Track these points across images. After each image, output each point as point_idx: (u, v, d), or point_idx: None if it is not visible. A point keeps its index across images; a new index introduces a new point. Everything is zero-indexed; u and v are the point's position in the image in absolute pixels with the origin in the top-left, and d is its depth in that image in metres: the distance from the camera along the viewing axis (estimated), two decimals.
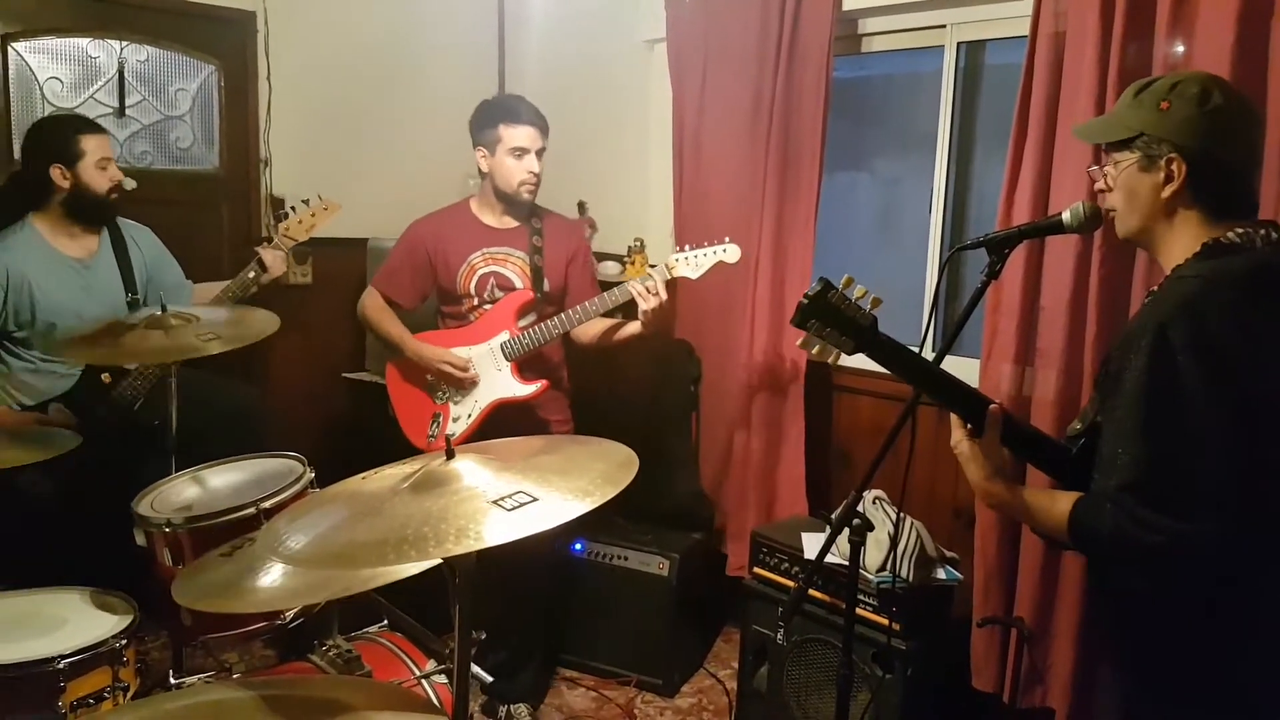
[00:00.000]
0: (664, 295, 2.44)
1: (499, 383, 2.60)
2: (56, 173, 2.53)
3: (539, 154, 2.59)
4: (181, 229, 3.03)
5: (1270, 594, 1.28)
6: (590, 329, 2.66)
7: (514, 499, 1.23)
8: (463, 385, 2.61)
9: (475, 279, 2.63)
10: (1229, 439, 1.21)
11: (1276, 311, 1.27)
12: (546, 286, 2.66)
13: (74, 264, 2.60)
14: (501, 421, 2.55)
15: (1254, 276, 1.28)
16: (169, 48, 3.25)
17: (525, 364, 2.61)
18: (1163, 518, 1.22)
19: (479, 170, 2.65)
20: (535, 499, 1.22)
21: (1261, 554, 1.25)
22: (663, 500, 3.21)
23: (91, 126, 2.61)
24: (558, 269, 2.68)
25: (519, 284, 2.63)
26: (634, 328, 2.58)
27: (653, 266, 2.53)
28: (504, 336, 2.60)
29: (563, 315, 2.55)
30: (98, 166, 2.56)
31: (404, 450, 2.60)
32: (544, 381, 2.61)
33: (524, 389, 2.59)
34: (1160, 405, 1.24)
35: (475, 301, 2.64)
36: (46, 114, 2.98)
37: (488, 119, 2.58)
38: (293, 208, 2.77)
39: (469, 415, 2.62)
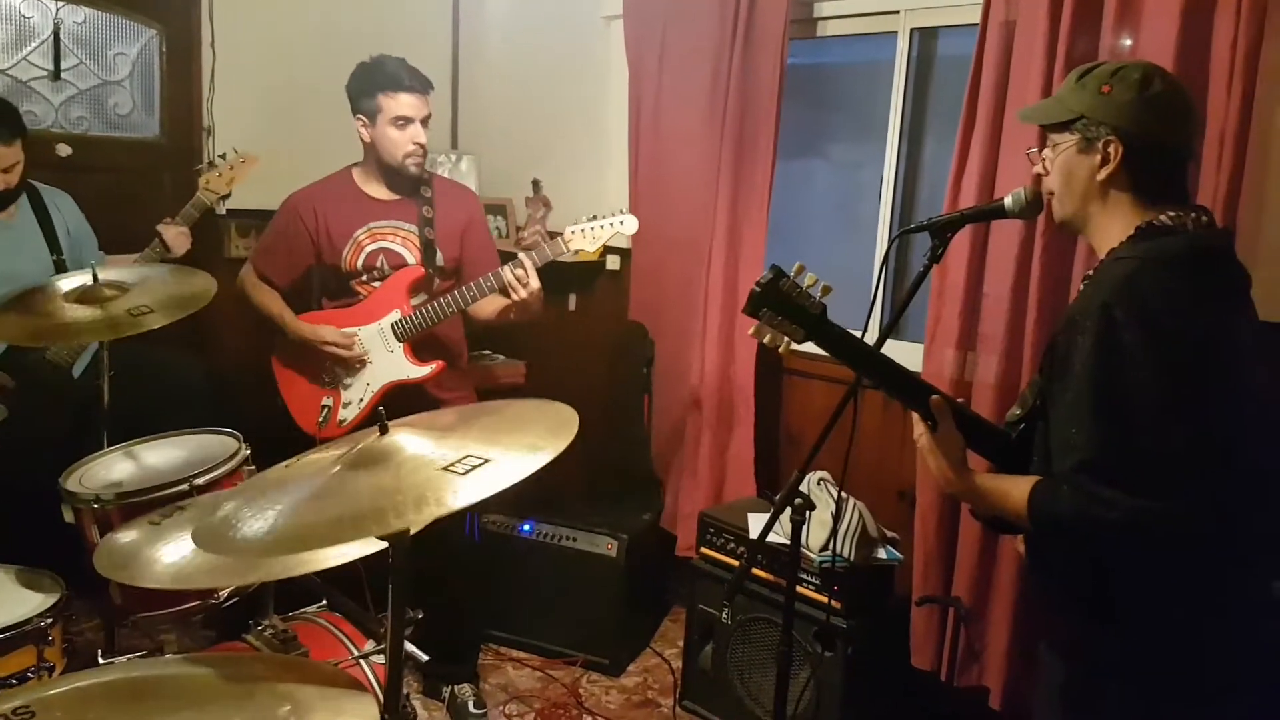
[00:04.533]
0: (534, 284, 2.34)
1: (391, 364, 2.48)
2: None
3: (424, 121, 2.43)
4: (122, 197, 2.94)
5: (1225, 568, 1.30)
6: (485, 306, 2.52)
7: (464, 463, 1.20)
8: (350, 366, 2.49)
9: (363, 256, 2.49)
10: (1179, 413, 1.23)
11: (1213, 288, 1.30)
12: (440, 260, 2.53)
13: None
14: (396, 405, 2.47)
15: (1190, 255, 1.32)
16: (108, 10, 3.14)
17: (420, 344, 2.49)
18: (1120, 494, 1.23)
19: (361, 140, 2.48)
20: (486, 460, 1.20)
21: (1222, 526, 1.25)
22: (614, 481, 3.21)
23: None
24: (452, 240, 2.54)
25: (410, 259, 2.50)
26: (513, 314, 2.48)
27: (526, 249, 2.40)
28: (395, 315, 2.47)
29: (455, 293, 2.43)
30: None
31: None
32: (439, 362, 2.50)
33: (418, 370, 2.48)
34: (1109, 383, 1.25)
35: (364, 279, 2.51)
36: None
37: (365, 86, 2.41)
38: (211, 162, 2.69)
39: (360, 400, 2.50)
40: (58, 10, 3.04)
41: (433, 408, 2.47)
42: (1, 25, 2.96)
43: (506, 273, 2.36)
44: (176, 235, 2.60)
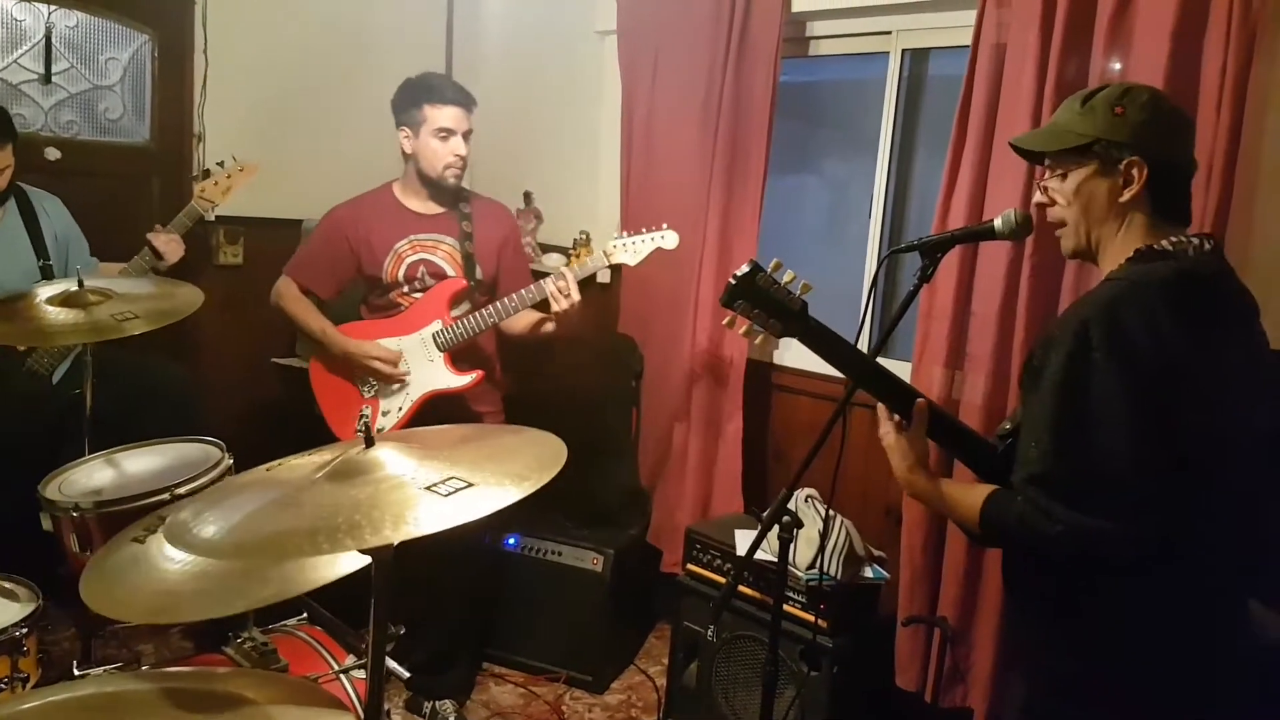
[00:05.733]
0: (575, 295, 2.40)
1: (431, 374, 2.53)
2: None
3: (465, 136, 2.51)
4: (110, 202, 2.93)
5: (1196, 589, 1.30)
6: (517, 321, 2.59)
7: (447, 484, 1.19)
8: (393, 381, 2.53)
9: (404, 267, 2.54)
10: (1136, 438, 1.24)
11: (1195, 317, 1.30)
12: (479, 274, 2.58)
13: None
14: (432, 415, 2.49)
15: (1177, 283, 1.31)
16: (101, 14, 3.13)
17: (458, 354, 2.54)
18: (1065, 509, 1.24)
19: (402, 152, 2.55)
20: (470, 484, 1.19)
21: (1165, 553, 1.27)
22: (600, 495, 3.19)
23: None
24: (489, 255, 2.60)
25: (450, 271, 2.55)
26: (553, 325, 2.54)
27: (573, 257, 2.46)
28: (436, 326, 2.52)
29: (497, 304, 2.48)
30: None
31: (331, 441, 2.53)
32: (479, 372, 2.55)
33: (458, 380, 2.52)
34: (1072, 400, 1.26)
35: (405, 290, 2.56)
36: None
37: (411, 98, 2.48)
38: (207, 170, 2.68)
39: (400, 409, 2.54)
40: (50, 14, 3.03)
41: (474, 419, 2.55)
42: None
43: (549, 284, 2.40)
44: (168, 242, 2.59)
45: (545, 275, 2.51)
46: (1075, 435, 1.26)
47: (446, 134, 2.47)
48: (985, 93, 2.27)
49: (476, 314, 2.50)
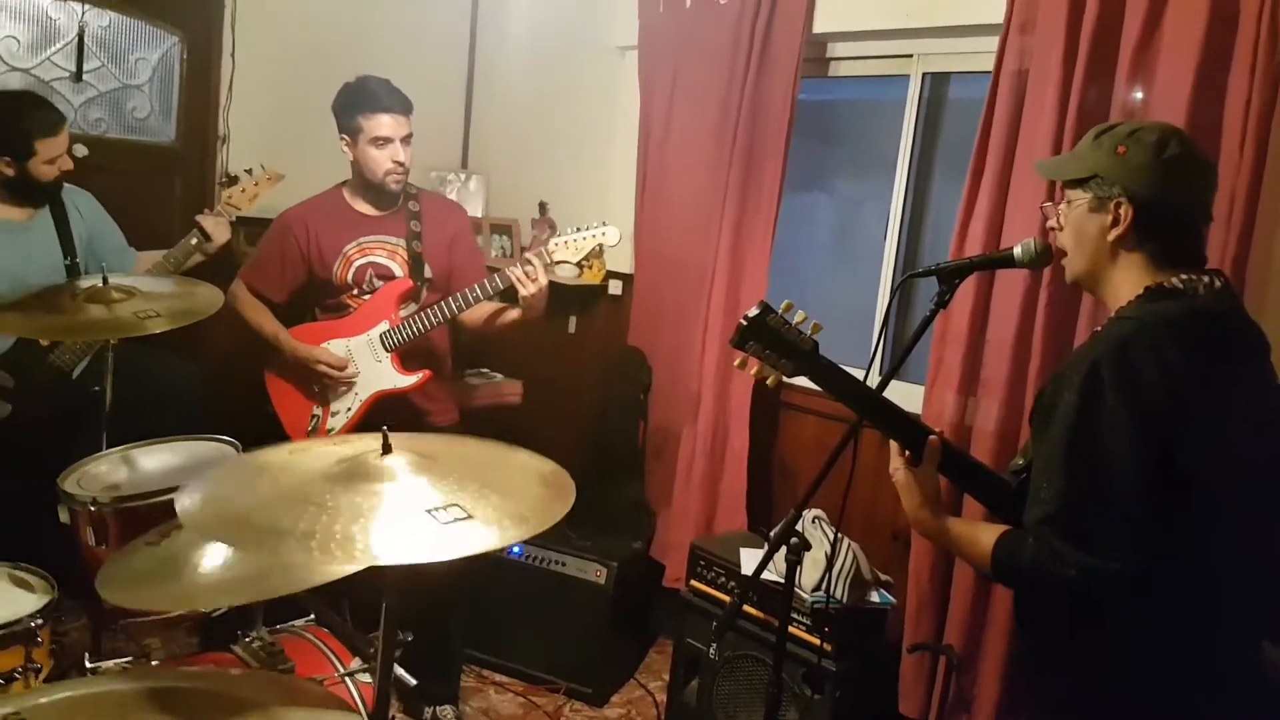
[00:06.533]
0: (543, 281, 2.39)
1: (379, 374, 2.53)
2: (1, 163, 2.42)
3: (405, 140, 2.48)
4: (133, 199, 2.95)
5: (1183, 634, 1.29)
6: (474, 313, 2.58)
7: (448, 512, 1.20)
8: (340, 387, 2.54)
9: (352, 270, 2.53)
10: (1148, 479, 1.23)
11: (1206, 355, 1.30)
12: (428, 273, 2.57)
13: (10, 226, 2.51)
14: (382, 413, 2.50)
15: (1188, 321, 1.31)
16: (132, 15, 3.17)
17: (407, 354, 2.54)
18: (1077, 552, 1.24)
19: (347, 158, 2.55)
20: (469, 515, 1.19)
21: (1176, 595, 1.27)
22: (606, 506, 3.20)
23: (50, 128, 2.45)
24: (439, 253, 2.59)
25: (398, 272, 2.55)
26: (515, 313, 2.52)
27: (533, 252, 2.44)
28: (383, 327, 2.52)
29: (443, 303, 2.47)
30: (47, 162, 2.45)
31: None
32: (426, 371, 2.54)
33: (405, 380, 2.53)
34: (1084, 441, 1.26)
35: (355, 292, 2.56)
36: (7, 87, 2.87)
37: (347, 107, 2.48)
38: (235, 176, 2.70)
39: (348, 410, 2.55)
40: (84, 13, 3.07)
41: (417, 416, 2.56)
42: (27, 25, 2.98)
43: (515, 271, 2.39)
44: (217, 224, 2.61)
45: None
46: (1087, 477, 1.25)
47: (384, 142, 2.46)
48: (1006, 119, 2.28)
49: (423, 313, 2.49)
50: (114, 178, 2.94)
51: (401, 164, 2.48)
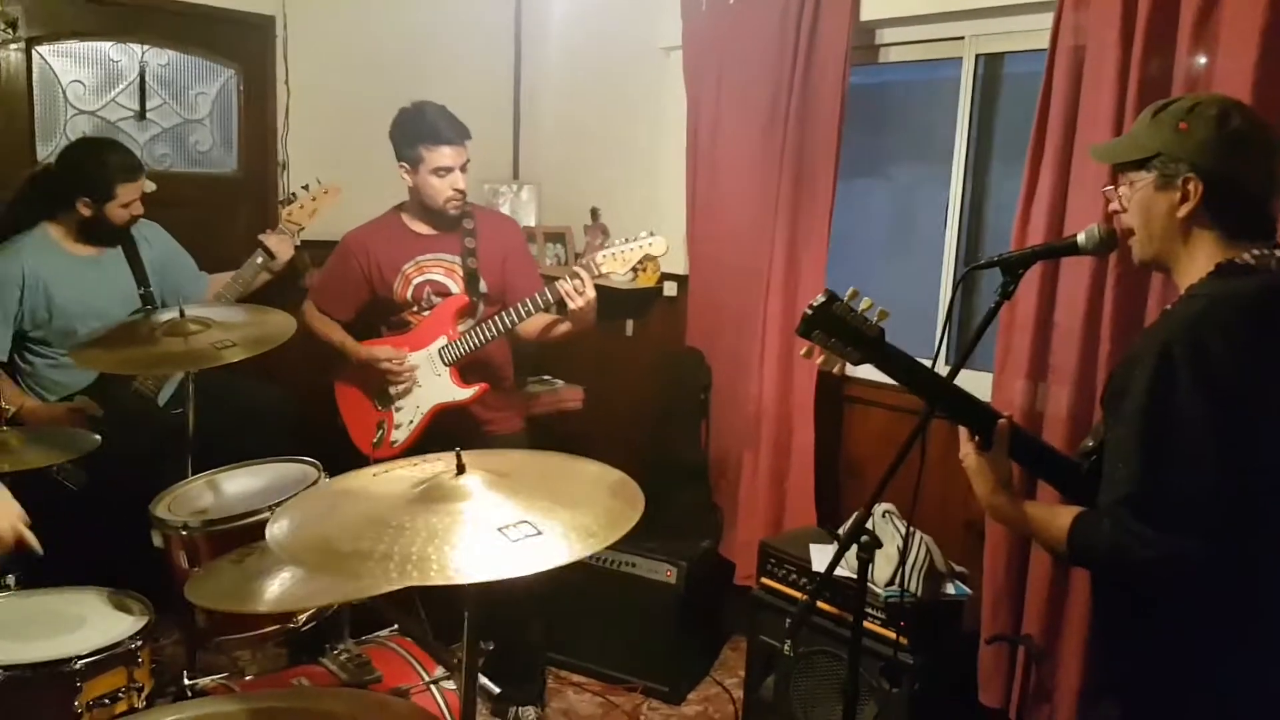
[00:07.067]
0: (591, 294, 2.43)
1: (439, 388, 2.61)
2: (81, 204, 2.54)
3: (463, 168, 2.55)
4: (199, 231, 3.06)
5: (1265, 614, 1.27)
6: (530, 325, 2.63)
7: (519, 529, 1.24)
8: (402, 381, 2.61)
9: (411, 288, 2.62)
10: (1225, 458, 1.22)
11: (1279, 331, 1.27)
12: (484, 288, 2.65)
13: (85, 260, 2.63)
14: (443, 425, 2.57)
15: (1261, 298, 1.29)
16: (190, 51, 3.29)
17: (466, 367, 2.61)
18: (1156, 533, 1.23)
19: (406, 183, 2.62)
20: (539, 532, 1.23)
21: (1256, 574, 1.25)
22: (672, 507, 3.21)
23: (131, 173, 2.57)
24: (494, 268, 2.65)
25: (454, 288, 2.62)
26: (567, 326, 2.58)
27: (580, 265, 2.48)
28: (441, 342, 2.60)
29: (498, 317, 2.53)
30: (123, 206, 2.57)
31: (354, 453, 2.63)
32: (483, 384, 2.61)
33: (462, 393, 2.59)
34: (1159, 422, 1.25)
35: (415, 309, 2.65)
36: (77, 130, 3.00)
37: (407, 138, 2.53)
38: (293, 194, 2.80)
39: (411, 422, 2.63)
40: (144, 53, 3.20)
41: (477, 427, 2.63)
42: (92, 69, 3.12)
43: (564, 284, 2.44)
44: (280, 241, 2.73)
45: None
46: (1163, 456, 1.24)
47: (445, 171, 2.53)
48: (1064, 98, 2.23)
49: (480, 327, 2.56)
50: (181, 211, 3.05)
51: (461, 191, 2.56)
